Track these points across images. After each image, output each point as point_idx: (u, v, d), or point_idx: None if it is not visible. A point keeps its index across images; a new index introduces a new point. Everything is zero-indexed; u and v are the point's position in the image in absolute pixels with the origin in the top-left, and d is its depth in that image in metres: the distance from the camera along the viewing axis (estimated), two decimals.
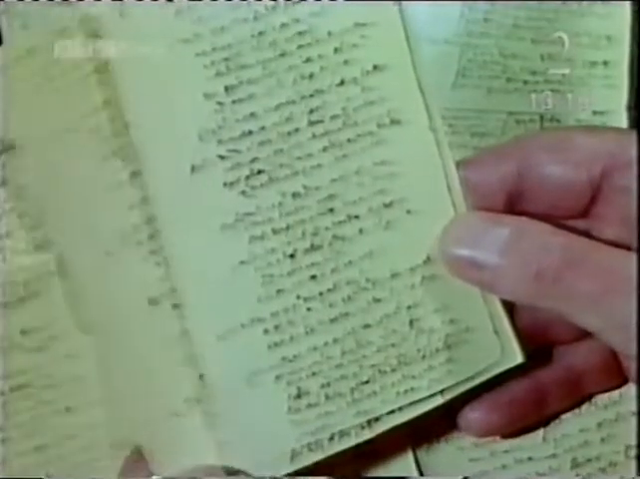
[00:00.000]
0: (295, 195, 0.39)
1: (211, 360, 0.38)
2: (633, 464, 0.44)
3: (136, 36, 0.39)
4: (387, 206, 0.39)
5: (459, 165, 0.39)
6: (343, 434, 0.39)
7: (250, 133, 0.39)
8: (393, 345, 0.39)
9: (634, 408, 0.44)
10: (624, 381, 0.43)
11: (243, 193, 0.39)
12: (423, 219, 0.39)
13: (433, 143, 0.39)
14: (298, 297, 0.39)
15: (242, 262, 0.39)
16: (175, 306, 0.38)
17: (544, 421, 0.44)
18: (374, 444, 0.43)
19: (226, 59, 0.39)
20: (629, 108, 0.47)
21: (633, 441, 0.44)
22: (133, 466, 0.39)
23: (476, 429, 0.42)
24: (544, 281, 0.35)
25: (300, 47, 0.39)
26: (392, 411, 0.39)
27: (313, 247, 0.39)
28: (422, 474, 0.44)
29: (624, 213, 0.37)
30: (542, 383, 0.42)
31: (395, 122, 0.39)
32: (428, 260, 0.39)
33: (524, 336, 0.39)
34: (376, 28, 0.39)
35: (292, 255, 0.39)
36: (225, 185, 0.39)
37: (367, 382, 0.39)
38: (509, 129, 0.47)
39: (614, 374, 0.42)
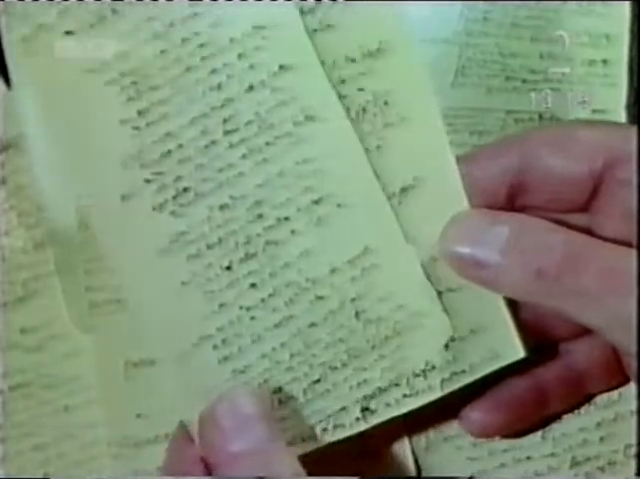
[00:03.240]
0: (223, 207, 0.39)
1: (170, 384, 0.39)
2: (632, 463, 0.44)
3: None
4: (316, 203, 0.39)
5: (458, 160, 0.38)
6: (337, 425, 0.39)
7: (170, 152, 0.39)
8: (341, 340, 0.39)
9: (633, 407, 0.44)
10: (625, 380, 0.43)
11: (173, 213, 0.39)
12: (354, 210, 0.39)
13: (352, 133, 0.38)
14: (241, 308, 0.39)
15: (183, 283, 0.39)
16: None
17: (546, 420, 0.44)
18: (373, 443, 0.43)
19: (134, 82, 0.39)
20: (628, 106, 0.47)
21: (632, 440, 0.44)
22: (179, 446, 0.39)
23: (477, 428, 0.41)
24: (545, 280, 0.35)
25: (204, 59, 0.38)
26: (388, 404, 0.39)
27: (248, 256, 0.39)
28: (420, 473, 0.44)
29: (625, 206, 0.37)
30: (543, 382, 0.41)
31: (310, 118, 0.39)
32: (366, 251, 0.39)
33: (526, 332, 0.39)
34: (276, 29, 0.38)
35: (229, 267, 0.39)
36: (155, 208, 0.39)
37: (318, 381, 0.39)
38: (509, 127, 0.47)
39: (616, 373, 0.42)
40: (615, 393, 0.44)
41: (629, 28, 0.47)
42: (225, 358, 0.39)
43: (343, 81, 0.38)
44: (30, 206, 0.43)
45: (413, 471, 0.44)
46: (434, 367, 0.39)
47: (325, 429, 0.39)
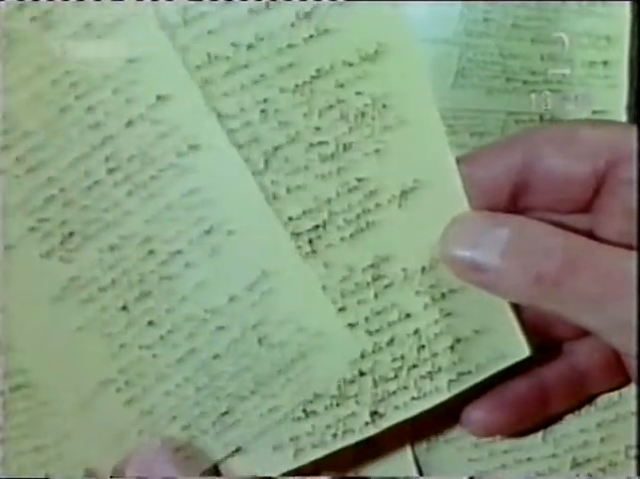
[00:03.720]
0: (112, 247, 0.38)
1: (76, 432, 0.39)
2: (633, 464, 0.44)
3: None
4: (207, 233, 0.38)
5: (460, 161, 0.38)
6: (347, 431, 0.39)
7: (53, 197, 0.38)
8: (247, 369, 0.39)
9: (634, 408, 0.44)
10: (627, 381, 0.43)
11: (62, 259, 0.38)
12: (247, 235, 0.38)
13: (238, 158, 0.38)
14: (141, 347, 0.39)
15: (79, 328, 0.39)
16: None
17: (548, 421, 0.44)
18: (374, 444, 0.43)
19: (6, 131, 0.38)
20: (629, 107, 0.47)
21: (633, 441, 0.44)
22: None
23: (479, 428, 0.41)
24: (545, 284, 0.35)
25: (78, 98, 0.37)
26: (397, 407, 0.39)
27: (143, 294, 0.39)
28: (421, 474, 0.44)
29: (627, 205, 0.37)
30: (545, 382, 0.42)
31: (193, 147, 0.38)
32: (263, 275, 0.39)
33: (528, 333, 0.39)
34: (150, 60, 0.38)
35: (124, 308, 0.39)
36: (42, 256, 0.38)
37: (227, 413, 0.39)
38: (509, 129, 0.47)
39: (617, 374, 0.42)
40: (616, 394, 0.44)
41: (629, 29, 0.47)
42: (130, 400, 0.39)
43: (341, 85, 0.38)
44: None
45: (414, 472, 0.44)
46: (440, 369, 0.39)
47: (335, 435, 0.39)
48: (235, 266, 0.38)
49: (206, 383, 0.39)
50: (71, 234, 0.38)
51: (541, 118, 0.47)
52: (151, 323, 0.39)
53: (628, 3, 0.47)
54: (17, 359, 0.40)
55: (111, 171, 0.38)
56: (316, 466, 0.41)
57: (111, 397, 0.39)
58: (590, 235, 0.38)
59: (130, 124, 0.38)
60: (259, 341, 0.39)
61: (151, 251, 0.38)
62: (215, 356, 0.39)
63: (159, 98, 0.38)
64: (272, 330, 0.39)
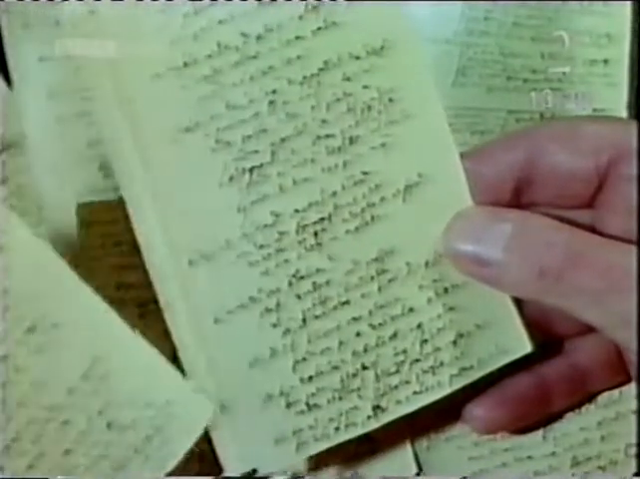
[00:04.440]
0: None
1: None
2: (633, 463, 0.44)
3: None
4: (30, 331, 0.37)
5: (464, 157, 0.38)
6: (349, 424, 0.39)
7: None
8: (101, 457, 0.38)
9: (634, 407, 0.44)
10: (628, 379, 0.43)
11: None
12: (73, 324, 0.37)
13: (50, 253, 0.37)
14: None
15: None
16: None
17: (549, 418, 0.44)
18: (374, 442, 0.43)
19: None
20: (629, 106, 0.47)
21: (633, 440, 0.44)
22: None
23: (480, 425, 0.41)
24: (548, 279, 0.35)
25: None
26: (399, 401, 0.39)
27: None
28: (422, 472, 0.44)
29: (629, 201, 0.37)
30: (547, 379, 0.41)
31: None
32: (96, 360, 0.37)
33: (530, 329, 0.39)
34: None
35: None
36: None
37: None
38: (509, 127, 0.47)
39: (618, 372, 0.42)
40: (616, 392, 0.44)
41: (630, 27, 0.47)
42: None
43: (348, 78, 0.38)
44: (30, 205, 0.43)
45: (414, 470, 0.44)
46: (442, 364, 0.39)
47: (337, 428, 0.39)
48: (66, 358, 0.37)
49: None
50: None
51: (542, 116, 0.47)
52: None
53: (629, 2, 0.47)
54: None
55: None
56: (316, 464, 0.41)
57: None
58: (592, 230, 0.38)
59: None
60: (108, 426, 0.38)
61: None
62: (66, 452, 0.37)
63: None
64: (119, 412, 0.38)
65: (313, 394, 0.39)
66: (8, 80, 0.44)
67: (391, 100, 0.38)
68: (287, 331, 0.38)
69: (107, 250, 0.47)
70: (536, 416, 0.43)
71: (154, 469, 0.38)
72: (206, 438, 0.38)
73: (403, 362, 0.39)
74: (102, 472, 0.37)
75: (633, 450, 0.44)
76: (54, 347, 0.37)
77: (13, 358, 0.36)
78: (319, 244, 0.38)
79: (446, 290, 0.39)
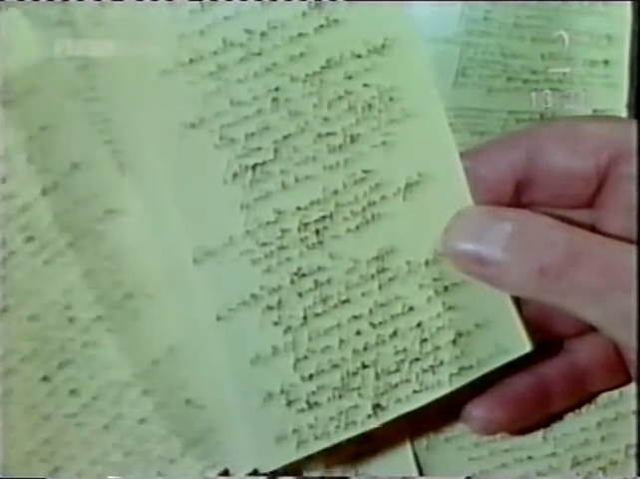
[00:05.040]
0: (31, 317, 0.39)
1: None
2: (633, 463, 0.44)
3: None
4: (128, 296, 0.39)
5: (464, 156, 0.39)
6: (349, 423, 0.39)
7: None
8: (174, 432, 0.39)
9: (634, 407, 0.44)
10: (628, 380, 0.43)
11: None
12: (165, 299, 0.39)
13: (159, 221, 0.38)
14: (64, 416, 0.39)
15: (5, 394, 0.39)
16: None
17: (548, 419, 0.44)
18: (374, 442, 0.43)
19: None
20: (629, 106, 0.47)
21: (633, 440, 0.44)
22: None
23: (480, 425, 0.41)
24: (548, 277, 0.35)
25: None
26: (399, 400, 0.39)
27: (64, 363, 0.39)
28: (422, 473, 0.44)
29: (629, 201, 0.37)
30: (546, 380, 0.41)
31: (110, 212, 0.39)
32: (183, 339, 0.39)
33: (530, 329, 0.39)
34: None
35: (45, 378, 0.39)
36: None
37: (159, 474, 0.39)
38: (510, 128, 0.47)
39: (618, 372, 0.42)
40: (616, 393, 0.44)
41: (630, 28, 0.47)
42: (56, 469, 0.39)
43: (349, 77, 0.38)
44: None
45: (414, 471, 0.44)
46: (442, 363, 0.39)
47: (337, 427, 0.39)
48: (156, 330, 0.39)
49: (134, 448, 0.39)
50: None
51: (542, 117, 0.47)
52: (73, 392, 0.39)
53: (629, 2, 0.47)
54: None
55: (28, 239, 0.38)
56: (316, 465, 0.41)
57: (36, 468, 0.39)
58: (593, 230, 0.38)
59: (45, 192, 0.38)
60: (187, 402, 0.39)
61: (70, 319, 0.38)
62: (142, 421, 0.39)
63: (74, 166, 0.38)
64: (198, 391, 0.39)
65: (314, 392, 0.39)
66: None
67: (391, 99, 0.38)
68: (288, 329, 0.38)
69: None
70: (536, 416, 0.43)
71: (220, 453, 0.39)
72: None
73: (403, 361, 0.39)
74: (173, 446, 0.39)
75: (633, 451, 0.44)
76: (148, 317, 0.38)
77: (107, 320, 0.38)
78: (320, 243, 0.38)
79: (446, 289, 0.39)
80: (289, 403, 0.39)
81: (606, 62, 0.47)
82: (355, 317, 0.39)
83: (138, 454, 0.39)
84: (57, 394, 0.38)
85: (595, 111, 0.47)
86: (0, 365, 0.38)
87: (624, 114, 0.47)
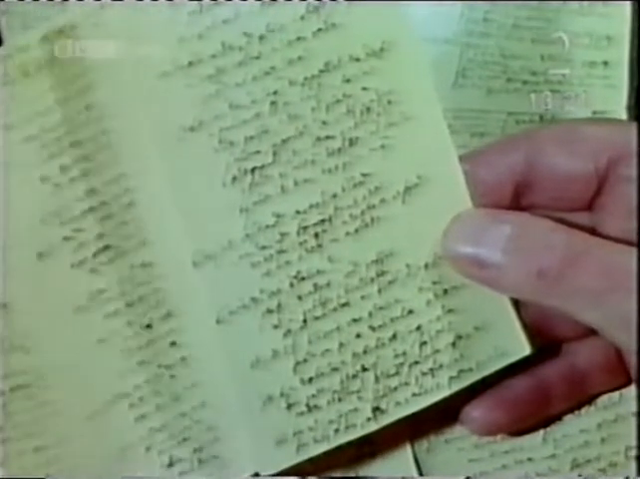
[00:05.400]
0: (144, 265, 0.39)
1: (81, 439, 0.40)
2: (633, 465, 0.44)
3: None
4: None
5: (464, 159, 0.39)
6: (349, 426, 0.39)
7: (92, 209, 0.39)
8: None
9: (634, 409, 0.44)
10: (628, 382, 0.43)
11: (92, 271, 0.39)
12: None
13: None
14: (160, 366, 0.39)
15: (100, 341, 0.39)
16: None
17: (548, 421, 0.44)
18: (374, 445, 0.43)
19: (58, 139, 0.39)
20: (629, 108, 0.47)
21: (633, 442, 0.44)
22: None
23: (479, 427, 0.41)
24: (547, 280, 0.35)
25: None
26: (398, 403, 0.39)
27: (169, 314, 0.39)
28: (421, 474, 0.44)
29: (629, 203, 0.37)
30: (546, 382, 0.41)
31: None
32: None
33: (529, 332, 0.39)
34: None
35: (149, 326, 0.39)
36: (73, 265, 0.39)
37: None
38: (509, 129, 0.47)
39: (618, 374, 0.42)
40: (616, 395, 0.44)
41: (630, 29, 0.47)
42: (142, 416, 0.39)
43: (348, 80, 0.38)
44: None
45: (414, 472, 0.44)
46: (441, 366, 0.39)
47: (337, 430, 0.39)
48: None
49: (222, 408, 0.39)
50: (105, 247, 0.39)
51: (541, 118, 0.47)
52: (173, 344, 0.39)
53: (628, 3, 0.47)
54: (26, 359, 0.40)
55: None
56: (316, 467, 0.41)
57: (122, 411, 0.39)
58: (592, 232, 0.38)
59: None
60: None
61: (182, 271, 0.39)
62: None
63: None
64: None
65: (313, 396, 0.39)
66: None
67: (390, 102, 0.38)
68: (288, 332, 0.38)
69: None
70: (535, 418, 0.43)
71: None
72: None
73: (402, 364, 0.39)
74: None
75: (633, 452, 0.44)
76: None
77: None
78: (320, 246, 0.38)
79: (445, 292, 0.39)
80: (289, 406, 0.39)
81: (606, 63, 0.47)
82: (354, 321, 0.39)
83: (226, 416, 0.39)
84: (157, 344, 0.39)
85: (595, 112, 0.47)
86: (106, 307, 0.39)
87: (624, 115, 0.47)
